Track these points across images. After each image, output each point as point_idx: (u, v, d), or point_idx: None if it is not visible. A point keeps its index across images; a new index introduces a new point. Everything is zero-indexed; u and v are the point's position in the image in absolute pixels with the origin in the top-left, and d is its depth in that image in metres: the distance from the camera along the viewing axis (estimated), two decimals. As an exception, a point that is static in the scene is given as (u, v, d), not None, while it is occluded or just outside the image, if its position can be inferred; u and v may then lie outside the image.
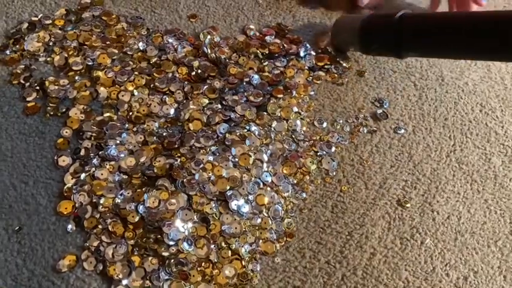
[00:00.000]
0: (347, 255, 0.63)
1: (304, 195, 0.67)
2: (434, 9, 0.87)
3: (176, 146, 0.67)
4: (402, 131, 0.74)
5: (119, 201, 0.61)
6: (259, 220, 0.63)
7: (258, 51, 0.78)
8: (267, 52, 0.78)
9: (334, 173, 0.69)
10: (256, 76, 0.74)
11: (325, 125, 0.73)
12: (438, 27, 0.64)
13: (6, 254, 0.58)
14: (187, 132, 0.68)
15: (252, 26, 0.82)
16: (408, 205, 0.67)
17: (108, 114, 0.68)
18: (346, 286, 0.61)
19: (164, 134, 0.68)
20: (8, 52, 0.72)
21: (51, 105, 0.68)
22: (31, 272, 0.57)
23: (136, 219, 0.60)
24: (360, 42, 0.72)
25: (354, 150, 0.72)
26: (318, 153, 0.70)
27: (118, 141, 0.66)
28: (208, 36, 0.78)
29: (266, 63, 0.76)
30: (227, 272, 0.59)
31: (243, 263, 0.60)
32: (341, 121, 0.74)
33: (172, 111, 0.70)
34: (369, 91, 0.78)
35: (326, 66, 0.78)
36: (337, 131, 0.73)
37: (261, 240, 0.62)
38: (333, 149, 0.71)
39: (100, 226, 0.60)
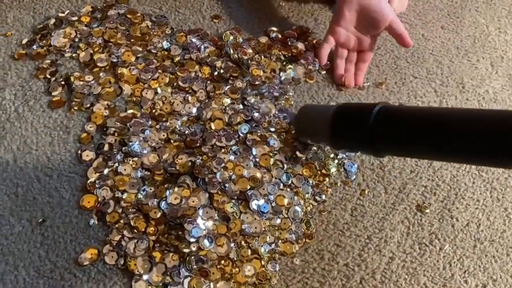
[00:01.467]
0: (366, 258, 0.63)
1: (323, 197, 0.67)
2: (322, 63, 0.79)
3: (198, 144, 0.68)
4: (422, 136, 0.74)
5: (141, 196, 0.62)
6: (278, 221, 0.63)
7: (281, 53, 0.78)
8: (289, 55, 0.79)
9: (354, 177, 0.69)
10: (282, 74, 0.76)
11: (345, 128, 0.73)
12: (423, 125, 0.52)
13: (29, 245, 0.59)
14: (209, 131, 0.69)
15: (274, 28, 0.82)
16: (427, 211, 0.67)
17: (131, 111, 0.69)
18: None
19: (186, 132, 0.68)
20: (34, 47, 0.74)
21: (76, 100, 0.69)
22: (53, 264, 0.58)
23: (158, 215, 0.60)
24: (330, 137, 0.61)
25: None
26: (338, 157, 0.70)
27: (141, 138, 0.66)
28: (231, 37, 0.78)
29: (288, 65, 0.77)
30: (246, 271, 0.59)
31: (262, 262, 0.60)
32: (361, 125, 0.74)
33: (194, 110, 0.71)
34: (390, 96, 0.78)
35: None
36: (358, 135, 0.73)
37: (280, 241, 0.62)
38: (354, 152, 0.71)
39: (122, 221, 0.60)
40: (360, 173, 0.70)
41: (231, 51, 0.76)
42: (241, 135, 0.69)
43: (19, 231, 0.60)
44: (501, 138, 0.45)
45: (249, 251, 0.61)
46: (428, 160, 0.70)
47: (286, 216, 0.64)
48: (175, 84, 0.73)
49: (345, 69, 0.78)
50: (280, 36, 0.81)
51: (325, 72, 0.79)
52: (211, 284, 0.58)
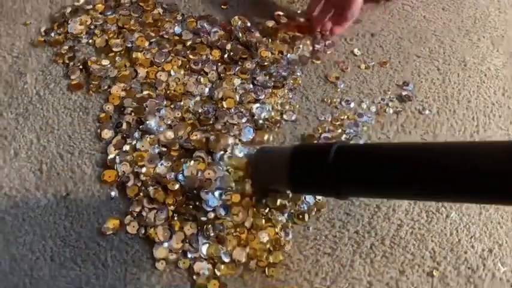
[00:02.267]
0: (375, 226, 0.66)
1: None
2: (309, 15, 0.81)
3: (211, 122, 0.71)
4: (427, 112, 0.77)
5: (160, 170, 0.65)
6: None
7: (286, 35, 0.82)
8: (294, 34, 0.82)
9: (362, 150, 0.72)
10: (290, 55, 0.79)
11: (352, 105, 0.76)
12: (385, 162, 0.50)
13: (55, 217, 0.62)
14: (221, 109, 0.72)
15: (280, 13, 0.85)
16: (434, 180, 0.70)
17: (147, 92, 0.72)
18: (375, 254, 0.64)
19: (200, 111, 0.71)
20: (52, 34, 0.77)
21: (93, 83, 0.72)
22: (78, 234, 0.61)
23: (176, 187, 0.63)
24: (288, 181, 0.58)
25: (381, 129, 0.74)
26: (346, 132, 0.73)
27: (157, 117, 0.69)
28: (239, 22, 0.81)
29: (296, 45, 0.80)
30: (261, 238, 0.62)
31: (276, 230, 0.63)
32: (367, 102, 0.77)
33: (206, 90, 0.74)
34: (394, 74, 0.81)
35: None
36: (364, 111, 0.75)
37: (292, 210, 0.65)
38: (360, 127, 0.74)
39: (142, 193, 0.63)
40: (367, 147, 0.72)
41: (240, 34, 0.80)
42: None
43: (45, 204, 0.63)
44: (466, 170, 0.44)
45: (263, 219, 0.63)
46: (396, 199, 0.66)
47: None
48: (187, 66, 0.76)
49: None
50: (286, 20, 0.84)
51: (330, 52, 0.82)
52: (228, 250, 0.61)
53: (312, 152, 0.57)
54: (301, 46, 0.80)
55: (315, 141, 0.70)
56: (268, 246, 0.62)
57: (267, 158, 0.63)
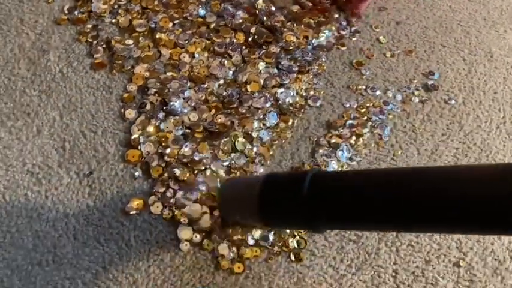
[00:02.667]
0: (401, 214, 0.65)
1: (358, 158, 0.68)
2: None
3: (235, 105, 0.70)
4: (453, 102, 0.76)
5: (184, 152, 0.64)
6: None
7: (311, 20, 0.80)
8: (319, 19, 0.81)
9: (387, 139, 0.71)
10: (315, 40, 0.78)
11: (378, 93, 0.75)
12: (364, 191, 0.45)
13: (77, 196, 0.61)
14: (245, 93, 0.71)
15: (305, -2, 0.84)
16: (460, 171, 0.69)
17: (170, 73, 0.71)
18: (401, 243, 0.63)
19: (223, 94, 0.70)
20: (75, 13, 0.76)
21: (117, 62, 0.71)
22: (101, 213, 0.60)
23: (202, 168, 0.63)
24: (259, 213, 0.51)
25: (406, 118, 0.73)
26: (372, 119, 0.72)
27: (181, 98, 0.68)
28: (264, 5, 0.80)
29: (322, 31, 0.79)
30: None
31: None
32: (393, 90, 0.76)
33: (230, 73, 0.73)
34: (420, 63, 0.80)
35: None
36: (390, 99, 0.74)
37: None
38: (386, 116, 0.72)
39: (166, 174, 0.62)
40: (393, 135, 0.71)
41: (264, 18, 0.78)
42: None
43: (67, 182, 0.62)
44: (456, 196, 0.40)
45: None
46: (378, 232, 0.62)
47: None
48: (211, 49, 0.75)
49: None
50: (310, 4, 0.83)
51: (355, 39, 0.80)
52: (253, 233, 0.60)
53: (285, 182, 0.51)
54: (326, 32, 0.79)
55: (289, 171, 0.65)
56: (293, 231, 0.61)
57: (236, 187, 0.57)
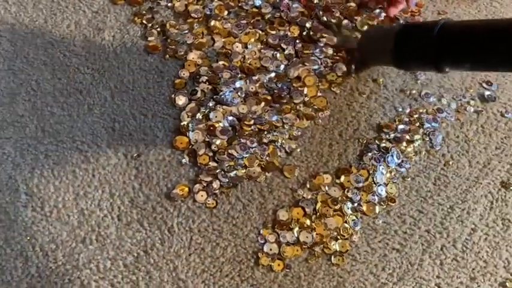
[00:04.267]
0: (447, 227, 0.63)
1: (408, 165, 0.66)
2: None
3: (285, 100, 0.68)
4: (510, 115, 0.72)
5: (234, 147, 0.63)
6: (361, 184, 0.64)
7: (367, 22, 0.78)
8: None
9: (439, 147, 0.68)
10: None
11: (432, 99, 0.72)
12: (485, 37, 0.56)
13: (124, 177, 0.62)
14: (296, 89, 0.69)
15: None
16: (512, 188, 0.66)
17: (222, 62, 0.71)
18: (445, 256, 0.61)
19: (274, 87, 0.69)
20: (132, -7, 0.76)
21: (170, 47, 0.71)
22: (146, 197, 0.61)
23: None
24: (394, 56, 0.64)
25: (460, 128, 0.71)
26: (425, 126, 0.69)
27: (232, 88, 0.68)
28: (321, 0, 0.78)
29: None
30: (328, 224, 0.60)
31: (345, 218, 0.61)
32: (447, 97, 0.73)
33: (282, 67, 0.72)
34: (478, 72, 0.76)
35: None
36: (444, 107, 0.72)
37: (363, 201, 0.63)
38: (439, 123, 0.70)
39: (211, 164, 0.62)
40: (445, 144, 0.69)
41: (321, 13, 0.77)
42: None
43: (115, 163, 0.62)
44: None
45: (332, 210, 0.61)
46: (487, 71, 0.72)
47: (370, 179, 0.64)
48: (264, 40, 0.74)
49: None
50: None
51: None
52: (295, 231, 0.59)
53: (419, 27, 0.64)
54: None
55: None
56: (335, 233, 0.60)
57: (375, 34, 0.70)
